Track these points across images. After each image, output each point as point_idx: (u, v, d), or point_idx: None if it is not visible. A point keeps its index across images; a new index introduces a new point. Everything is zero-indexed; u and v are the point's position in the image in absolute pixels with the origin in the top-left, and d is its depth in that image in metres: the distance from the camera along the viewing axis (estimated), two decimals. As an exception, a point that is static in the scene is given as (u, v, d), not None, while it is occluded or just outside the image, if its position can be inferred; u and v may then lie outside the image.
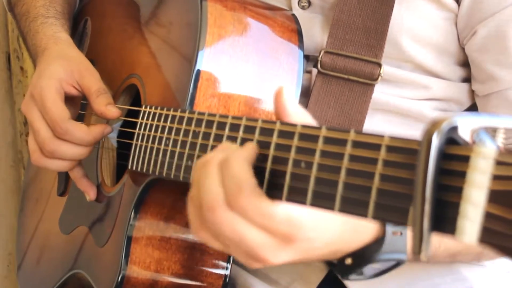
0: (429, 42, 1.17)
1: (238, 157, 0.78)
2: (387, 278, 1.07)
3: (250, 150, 0.79)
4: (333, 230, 0.81)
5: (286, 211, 0.77)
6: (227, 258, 1.14)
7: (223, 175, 0.77)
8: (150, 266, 1.12)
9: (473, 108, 1.24)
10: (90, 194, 1.25)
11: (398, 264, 0.86)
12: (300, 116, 0.81)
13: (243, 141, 0.84)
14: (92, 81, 1.21)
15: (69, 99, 1.22)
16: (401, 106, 1.19)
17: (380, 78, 1.15)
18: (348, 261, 0.86)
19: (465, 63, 1.20)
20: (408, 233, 0.87)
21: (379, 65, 1.15)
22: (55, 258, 1.35)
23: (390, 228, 0.84)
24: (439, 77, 1.20)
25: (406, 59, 1.18)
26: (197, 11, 1.07)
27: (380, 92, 1.17)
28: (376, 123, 1.19)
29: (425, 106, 1.20)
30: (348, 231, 0.83)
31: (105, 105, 1.18)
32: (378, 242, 0.85)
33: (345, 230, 0.83)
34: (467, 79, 1.21)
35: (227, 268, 1.14)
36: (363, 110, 1.17)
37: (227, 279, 1.15)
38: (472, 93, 1.22)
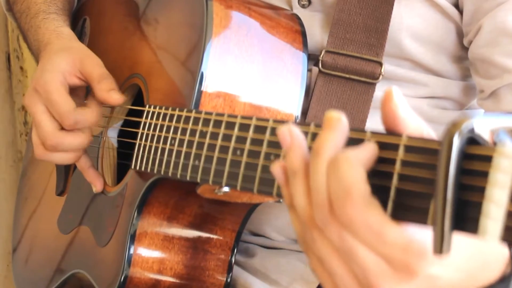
0: (428, 41, 1.17)
1: (350, 157, 0.66)
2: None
3: (367, 151, 0.67)
4: (459, 267, 0.68)
5: (404, 234, 0.64)
6: (229, 259, 1.14)
7: (328, 176, 0.66)
8: (152, 266, 1.11)
9: (472, 106, 1.25)
10: (97, 185, 1.23)
11: None
12: (413, 122, 0.69)
13: (253, 141, 0.84)
14: (93, 67, 1.18)
15: (73, 91, 1.21)
16: None
17: (381, 77, 1.15)
18: None
19: (463, 61, 1.20)
20: None
21: (380, 64, 1.15)
22: (54, 258, 1.34)
23: None
24: (438, 75, 1.20)
25: (406, 57, 1.18)
26: (203, 12, 1.07)
27: (380, 91, 1.18)
28: (377, 121, 1.19)
29: (424, 104, 1.20)
30: (475, 268, 0.71)
31: (107, 91, 1.15)
32: (504, 281, 0.74)
33: (472, 267, 0.71)
34: (466, 77, 1.22)
35: (230, 269, 1.14)
36: (365, 109, 1.17)
37: (229, 280, 1.15)
38: (471, 91, 1.22)
